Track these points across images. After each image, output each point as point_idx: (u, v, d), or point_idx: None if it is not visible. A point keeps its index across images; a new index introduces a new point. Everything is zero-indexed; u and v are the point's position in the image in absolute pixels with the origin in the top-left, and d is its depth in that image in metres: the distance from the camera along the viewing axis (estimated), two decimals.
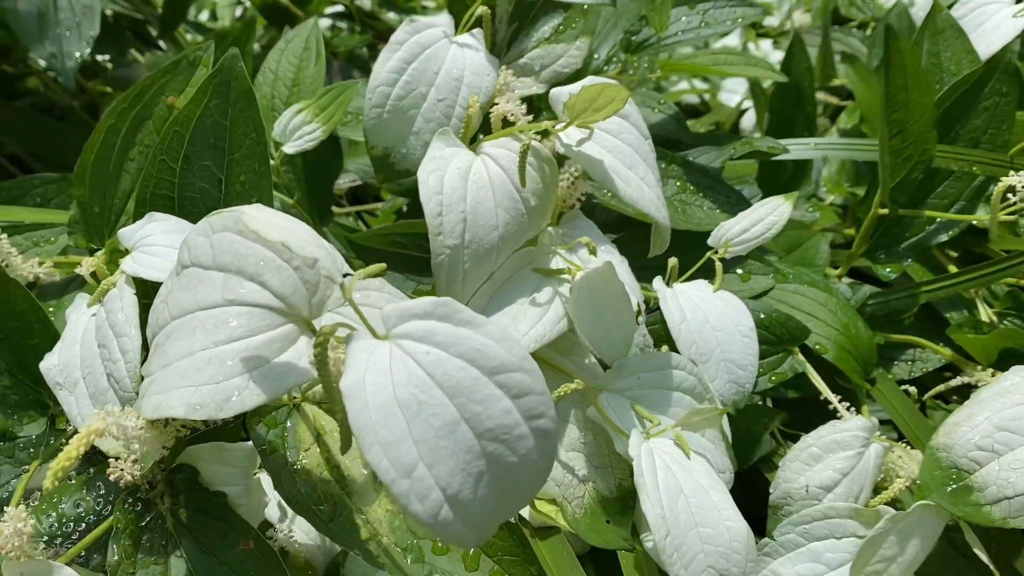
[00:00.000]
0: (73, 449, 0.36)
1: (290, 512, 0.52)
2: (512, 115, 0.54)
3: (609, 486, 0.57)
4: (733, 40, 1.73)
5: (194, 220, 0.50)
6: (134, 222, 0.49)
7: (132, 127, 0.56)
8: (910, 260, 0.81)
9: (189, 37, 1.43)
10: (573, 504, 0.56)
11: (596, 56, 0.90)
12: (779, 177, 1.01)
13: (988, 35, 0.91)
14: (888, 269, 0.81)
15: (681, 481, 0.49)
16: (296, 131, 0.64)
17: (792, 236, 0.91)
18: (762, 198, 0.97)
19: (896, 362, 0.81)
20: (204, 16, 1.89)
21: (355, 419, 0.32)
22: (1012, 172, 0.67)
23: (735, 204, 0.75)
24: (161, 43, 1.41)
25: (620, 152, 0.53)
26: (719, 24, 0.80)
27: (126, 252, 0.52)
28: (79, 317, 0.50)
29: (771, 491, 0.62)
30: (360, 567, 0.51)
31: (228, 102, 0.49)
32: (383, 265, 0.38)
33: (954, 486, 0.56)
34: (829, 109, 1.35)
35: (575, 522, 0.55)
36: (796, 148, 0.85)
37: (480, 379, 0.33)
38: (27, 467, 0.55)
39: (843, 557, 0.58)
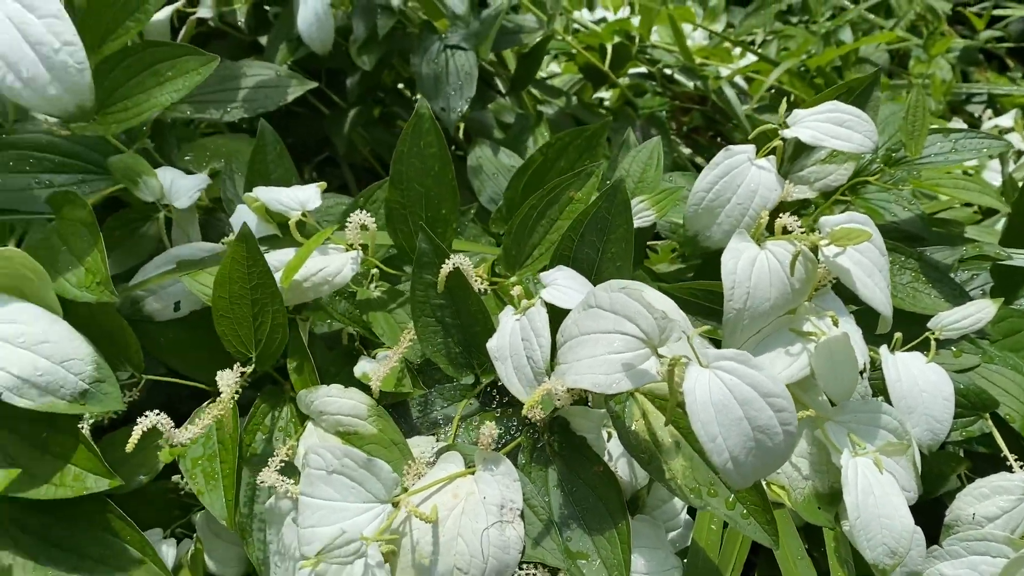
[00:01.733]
0: (538, 393, 0.69)
1: (614, 456, 0.83)
2: (790, 226, 0.81)
3: (824, 485, 0.82)
4: (1006, 121, 1.85)
5: (582, 272, 0.83)
6: (547, 270, 0.82)
7: (544, 207, 0.90)
8: None
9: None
10: (796, 492, 0.82)
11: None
12: (1016, 272, 1.17)
13: None
14: None
15: (873, 486, 0.75)
16: (640, 214, 0.96)
17: (1013, 323, 1.09)
18: (994, 286, 1.16)
19: None
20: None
21: (690, 408, 0.62)
22: None
23: (957, 297, 0.96)
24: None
25: (863, 265, 0.78)
26: (967, 152, 1.01)
27: (530, 282, 0.86)
28: (508, 320, 0.84)
29: (946, 514, 0.85)
30: (658, 496, 0.82)
31: (612, 205, 0.81)
32: (707, 327, 0.67)
33: None
34: None
35: (796, 504, 0.82)
36: (1020, 257, 1.03)
37: (757, 398, 0.62)
38: (453, 403, 0.90)
39: (994, 571, 0.79)
